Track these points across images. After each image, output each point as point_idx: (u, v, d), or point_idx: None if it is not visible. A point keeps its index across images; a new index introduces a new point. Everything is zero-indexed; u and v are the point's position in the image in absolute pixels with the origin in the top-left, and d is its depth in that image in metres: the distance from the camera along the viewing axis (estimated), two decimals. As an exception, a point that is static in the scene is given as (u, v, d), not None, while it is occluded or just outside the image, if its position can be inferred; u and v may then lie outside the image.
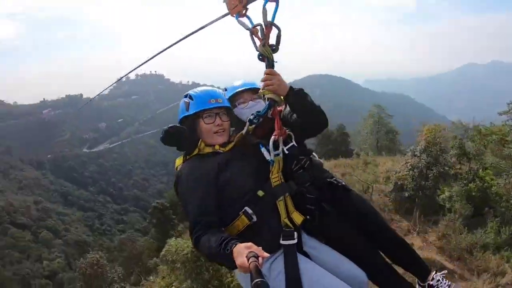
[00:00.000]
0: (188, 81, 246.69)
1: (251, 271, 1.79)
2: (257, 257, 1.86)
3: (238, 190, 2.56)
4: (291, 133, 2.81)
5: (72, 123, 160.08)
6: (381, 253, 2.89)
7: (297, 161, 2.86)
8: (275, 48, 2.60)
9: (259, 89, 2.77)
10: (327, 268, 2.53)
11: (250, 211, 2.50)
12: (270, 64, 2.61)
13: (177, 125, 2.73)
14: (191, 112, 2.73)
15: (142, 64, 3.36)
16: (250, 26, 2.58)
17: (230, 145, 2.77)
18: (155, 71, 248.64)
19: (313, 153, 3.15)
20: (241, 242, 2.08)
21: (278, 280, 2.39)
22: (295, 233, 2.50)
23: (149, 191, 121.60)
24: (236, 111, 2.96)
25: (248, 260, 1.84)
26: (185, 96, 2.82)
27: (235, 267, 2.03)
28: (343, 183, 2.98)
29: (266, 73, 2.61)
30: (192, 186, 2.52)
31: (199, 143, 2.70)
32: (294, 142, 2.79)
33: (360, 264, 2.69)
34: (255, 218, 2.50)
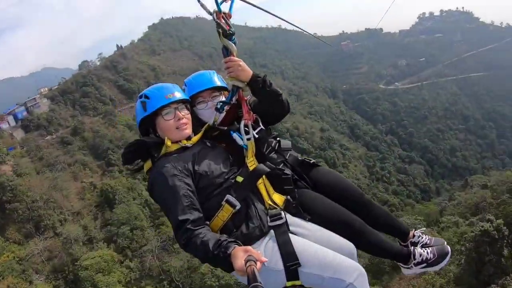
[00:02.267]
0: (501, 23, 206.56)
1: (249, 275, 1.82)
2: (255, 261, 1.90)
3: (215, 179, 2.61)
4: (258, 117, 2.95)
5: (370, 57, 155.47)
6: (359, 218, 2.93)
7: (267, 143, 2.98)
8: (228, 33, 2.77)
9: (219, 87, 3.03)
10: (319, 243, 2.60)
11: (232, 198, 2.55)
12: (226, 52, 2.83)
13: (133, 141, 2.76)
14: (149, 111, 2.73)
15: None
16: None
17: (197, 137, 2.82)
18: (462, 8, 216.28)
19: (281, 137, 3.21)
20: (238, 245, 2.17)
21: (274, 262, 2.44)
22: (282, 212, 2.62)
23: (441, 145, 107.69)
24: (196, 111, 3.00)
25: (245, 264, 1.88)
26: (140, 97, 2.81)
27: (232, 270, 2.08)
28: (314, 161, 3.16)
29: (225, 62, 2.81)
30: (170, 185, 2.50)
31: (165, 142, 2.69)
32: (261, 126, 2.94)
33: (344, 232, 2.80)
34: (238, 205, 2.55)
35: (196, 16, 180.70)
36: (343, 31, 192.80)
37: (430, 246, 3.09)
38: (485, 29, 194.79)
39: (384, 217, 3.12)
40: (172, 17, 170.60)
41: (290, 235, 2.56)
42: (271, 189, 2.77)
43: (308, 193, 2.93)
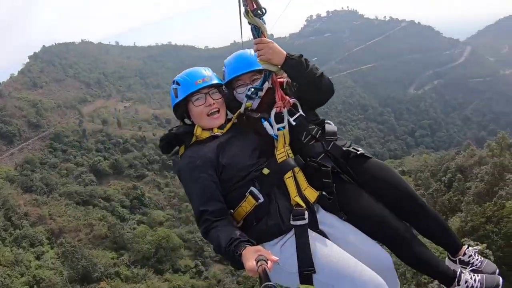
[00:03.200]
0: (385, 17, 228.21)
1: (260, 274, 1.81)
2: (266, 260, 1.89)
3: (240, 170, 2.54)
4: (296, 102, 2.75)
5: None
6: (408, 225, 2.69)
7: (307, 131, 2.74)
8: (259, 12, 2.51)
9: (259, 70, 2.75)
10: (347, 249, 2.47)
11: (256, 191, 2.48)
12: (257, 32, 2.55)
13: (165, 134, 2.79)
14: (180, 98, 2.70)
15: None
16: None
17: (229, 125, 2.74)
18: (347, 7, 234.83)
19: (327, 121, 2.90)
20: (251, 244, 2.13)
21: (290, 263, 2.37)
22: (306, 212, 2.44)
23: (345, 137, 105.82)
24: (235, 95, 2.86)
25: (257, 264, 1.87)
26: (173, 83, 2.78)
27: (242, 268, 2.06)
28: (362, 151, 2.75)
29: (255, 43, 2.57)
30: (193, 175, 2.53)
31: (195, 130, 2.68)
32: (301, 111, 2.73)
33: (385, 239, 2.62)
34: (262, 198, 2.48)
35: (82, 40, 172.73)
36: (234, 40, 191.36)
37: (480, 272, 2.71)
38: (370, 24, 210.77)
39: (436, 226, 2.72)
40: (55, 44, 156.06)
41: (314, 236, 2.44)
42: (304, 183, 2.58)
43: (350, 189, 2.64)
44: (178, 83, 2.73)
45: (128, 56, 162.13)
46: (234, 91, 2.86)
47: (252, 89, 2.69)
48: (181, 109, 2.77)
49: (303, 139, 2.73)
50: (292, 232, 2.44)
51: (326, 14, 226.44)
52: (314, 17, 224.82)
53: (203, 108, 2.67)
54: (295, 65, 2.54)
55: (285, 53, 2.55)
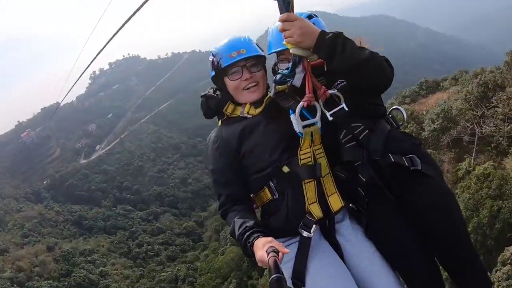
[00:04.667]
0: (167, 54, 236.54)
1: (270, 266, 1.78)
2: (277, 252, 1.85)
3: (260, 162, 2.40)
4: (337, 93, 2.31)
5: (58, 136, 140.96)
6: (439, 269, 2.41)
7: (347, 129, 2.36)
8: None
9: None
10: (358, 273, 2.35)
11: (273, 186, 2.39)
12: (285, 4, 2.06)
13: (207, 92, 2.67)
14: (214, 72, 2.57)
15: (104, 46, 3.30)
16: None
17: (262, 106, 2.52)
18: (128, 54, 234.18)
19: (399, 108, 2.68)
20: (264, 234, 2.07)
21: (287, 266, 2.28)
22: (314, 226, 2.29)
23: (171, 183, 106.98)
24: (278, 69, 2.60)
25: (268, 255, 1.84)
26: (211, 54, 2.60)
27: (253, 257, 2.03)
28: (418, 167, 2.30)
29: (281, 20, 2.09)
30: (215, 155, 2.49)
31: (226, 107, 2.56)
32: (343, 104, 2.29)
33: (407, 279, 2.38)
34: (277, 195, 2.38)
35: None
36: (18, 121, 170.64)
37: None
38: (154, 65, 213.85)
39: (475, 279, 2.36)
40: None
41: (318, 249, 2.34)
42: (331, 188, 2.38)
43: (385, 211, 2.34)
44: (214, 56, 2.55)
45: None
46: (276, 66, 2.64)
47: (281, 75, 2.39)
48: (220, 80, 2.57)
49: (341, 137, 2.36)
50: (298, 237, 2.33)
51: (109, 66, 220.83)
52: (97, 72, 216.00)
53: (239, 83, 2.49)
54: (329, 48, 2.06)
55: (317, 32, 2.08)
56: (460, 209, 2.44)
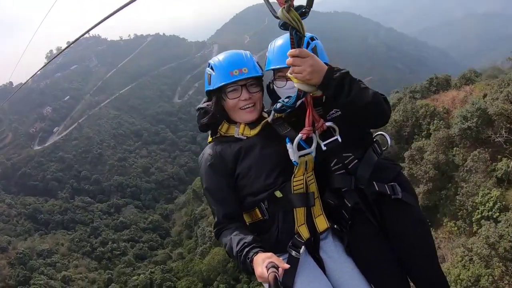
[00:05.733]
0: (129, 35, 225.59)
1: (270, 282, 1.82)
2: (277, 267, 1.89)
3: (254, 185, 2.47)
4: (333, 126, 2.46)
5: (10, 119, 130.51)
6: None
7: (338, 159, 2.53)
8: (304, 11, 1.91)
9: None
10: (336, 286, 2.50)
11: (264, 208, 2.47)
12: (298, 39, 2.00)
13: (202, 107, 2.64)
14: (213, 86, 2.54)
15: (91, 28, 2.98)
16: None
17: (257, 129, 2.56)
18: (88, 33, 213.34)
19: (383, 135, 2.85)
20: (263, 250, 2.11)
21: None
22: (303, 247, 2.42)
23: (132, 172, 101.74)
24: (274, 87, 2.64)
25: (267, 271, 1.88)
26: (208, 65, 2.60)
27: (252, 273, 2.06)
28: (399, 195, 2.53)
29: (292, 55, 2.07)
30: (209, 175, 2.50)
31: (220, 126, 2.59)
32: (338, 136, 2.45)
33: None
34: (267, 216, 2.48)
35: None
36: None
37: None
38: (116, 46, 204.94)
39: None
40: None
41: (305, 266, 2.44)
42: (319, 210, 2.54)
43: (365, 234, 2.54)
44: (212, 69, 2.54)
45: None
46: (273, 83, 2.63)
47: (282, 104, 2.37)
48: (214, 95, 2.58)
49: (331, 165, 2.53)
50: (287, 255, 2.42)
51: (67, 45, 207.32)
52: (55, 51, 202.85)
53: (237, 102, 2.51)
54: (335, 88, 2.14)
55: (325, 69, 2.11)
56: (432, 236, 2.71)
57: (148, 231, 76.46)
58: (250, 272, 2.10)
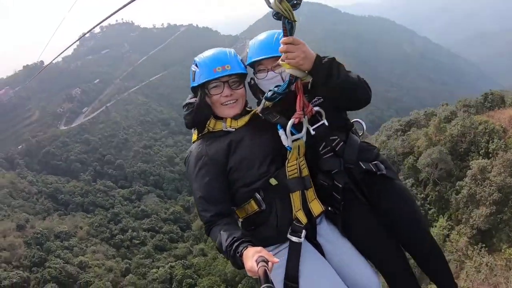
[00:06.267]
0: (162, 24, 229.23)
1: (260, 275, 1.81)
2: (266, 261, 1.90)
3: (248, 176, 2.52)
4: (320, 110, 2.59)
5: (39, 98, 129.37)
6: (407, 261, 2.78)
7: (326, 142, 2.66)
8: (296, 2, 2.08)
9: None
10: (338, 267, 2.58)
11: (259, 198, 2.50)
12: (290, 28, 2.18)
13: (191, 103, 2.65)
14: (196, 83, 2.60)
15: (116, 12, 3.16)
16: None
17: (244, 119, 2.63)
18: (122, 19, 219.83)
19: (359, 121, 2.96)
20: (252, 244, 2.12)
21: (276, 274, 2.43)
22: (304, 231, 2.49)
23: (156, 160, 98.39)
24: (255, 80, 2.75)
25: (257, 265, 1.88)
26: (193, 62, 2.66)
27: (243, 268, 2.07)
28: (383, 172, 2.69)
29: (285, 43, 2.22)
30: (199, 172, 2.50)
31: (208, 122, 2.61)
32: (324, 120, 2.59)
33: (380, 268, 2.71)
34: (264, 206, 2.51)
35: None
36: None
37: None
38: (149, 34, 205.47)
39: (441, 269, 2.80)
40: None
41: (307, 251, 2.53)
42: (312, 194, 2.62)
43: (359, 210, 2.68)
44: (197, 66, 2.61)
45: None
46: (255, 75, 2.72)
47: (272, 93, 2.46)
48: (197, 92, 2.63)
49: (320, 149, 2.64)
50: (287, 244, 2.50)
51: (100, 30, 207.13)
52: (87, 34, 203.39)
53: (218, 98, 2.57)
54: (325, 73, 2.31)
55: (314, 56, 2.28)
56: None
57: (168, 222, 72.89)
58: (240, 266, 2.08)
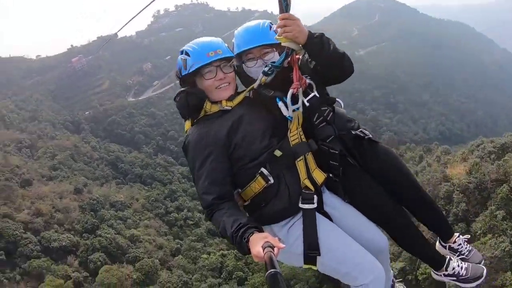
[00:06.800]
0: (237, 8, 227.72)
1: (267, 261, 1.84)
2: (272, 247, 1.93)
3: (252, 151, 2.58)
4: (311, 83, 2.77)
5: (110, 68, 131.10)
6: (406, 211, 2.94)
7: (319, 113, 2.79)
8: None
9: (270, 44, 2.76)
10: (348, 231, 2.67)
11: (266, 172, 2.54)
12: (285, 5, 2.45)
13: (183, 90, 2.71)
14: (190, 70, 2.66)
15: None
16: None
17: (239, 98, 2.73)
18: (197, 0, 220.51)
19: (338, 100, 3.06)
20: (258, 230, 2.16)
21: (296, 245, 2.54)
22: (315, 196, 2.59)
23: None
24: (244, 68, 2.85)
25: (263, 250, 1.91)
26: (181, 53, 2.73)
27: (248, 253, 2.10)
28: (370, 136, 2.92)
29: (283, 18, 2.46)
30: (201, 154, 2.53)
31: (204, 104, 2.67)
32: (315, 92, 2.76)
33: (384, 224, 2.85)
34: (272, 180, 2.55)
35: None
36: (71, 45, 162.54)
37: (467, 261, 3.03)
38: (223, 16, 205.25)
39: (434, 214, 3.01)
40: None
41: (320, 219, 2.61)
42: (312, 164, 2.70)
43: (355, 173, 2.81)
44: (187, 54, 2.66)
45: None
46: (244, 64, 2.83)
47: (270, 66, 2.62)
48: (189, 80, 2.72)
49: (314, 120, 2.76)
50: (300, 214, 2.58)
51: (175, 8, 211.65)
52: (162, 12, 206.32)
53: (213, 82, 2.64)
54: (318, 44, 2.53)
55: (307, 31, 2.51)
56: None
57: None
58: (246, 252, 2.10)
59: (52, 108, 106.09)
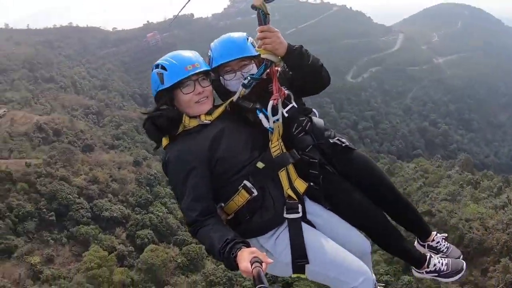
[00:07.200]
0: (316, 0, 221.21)
1: (255, 276, 1.86)
2: (260, 262, 1.93)
3: (234, 164, 2.56)
4: (290, 93, 2.78)
5: (183, 47, 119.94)
6: (384, 213, 2.98)
7: (297, 123, 2.82)
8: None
9: (248, 57, 2.76)
10: (332, 236, 2.69)
11: (249, 184, 2.53)
12: (264, 18, 2.47)
13: (153, 112, 2.66)
14: (167, 84, 2.58)
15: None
16: None
17: (218, 111, 2.68)
18: None
19: (314, 110, 3.07)
20: (246, 245, 2.16)
21: (284, 255, 2.54)
22: (299, 205, 2.59)
23: None
24: (222, 81, 2.84)
25: (251, 265, 1.92)
26: (156, 67, 2.66)
27: (236, 269, 2.10)
28: (347, 143, 2.95)
29: (262, 30, 2.49)
30: (182, 171, 2.47)
31: (183, 119, 2.61)
32: (294, 103, 2.77)
33: (364, 227, 2.91)
34: (255, 192, 2.54)
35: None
36: (148, 21, 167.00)
37: (447, 257, 3.09)
38: (302, 7, 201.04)
39: (411, 215, 3.09)
40: None
41: (305, 227, 2.60)
42: (294, 174, 2.69)
43: (334, 181, 2.83)
44: (164, 68, 2.59)
45: (17, 42, 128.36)
46: (221, 77, 2.82)
47: (249, 79, 2.61)
48: (165, 95, 2.63)
49: (293, 130, 2.78)
50: (285, 224, 2.57)
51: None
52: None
53: (191, 96, 2.58)
54: (297, 56, 2.55)
55: (286, 43, 2.53)
56: None
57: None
58: (234, 268, 2.10)
59: (123, 79, 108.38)
